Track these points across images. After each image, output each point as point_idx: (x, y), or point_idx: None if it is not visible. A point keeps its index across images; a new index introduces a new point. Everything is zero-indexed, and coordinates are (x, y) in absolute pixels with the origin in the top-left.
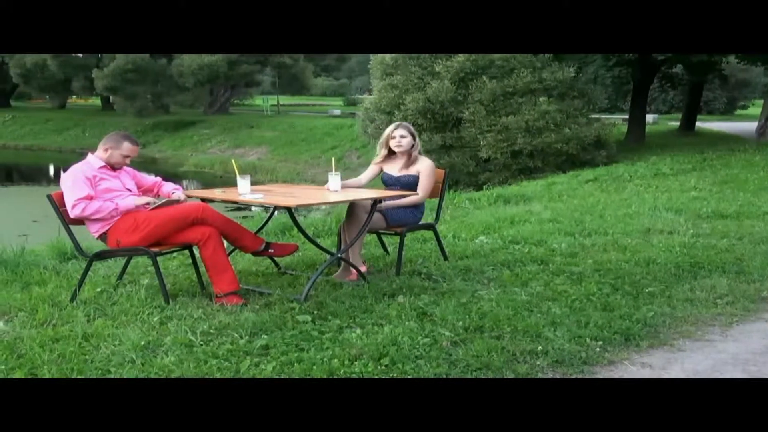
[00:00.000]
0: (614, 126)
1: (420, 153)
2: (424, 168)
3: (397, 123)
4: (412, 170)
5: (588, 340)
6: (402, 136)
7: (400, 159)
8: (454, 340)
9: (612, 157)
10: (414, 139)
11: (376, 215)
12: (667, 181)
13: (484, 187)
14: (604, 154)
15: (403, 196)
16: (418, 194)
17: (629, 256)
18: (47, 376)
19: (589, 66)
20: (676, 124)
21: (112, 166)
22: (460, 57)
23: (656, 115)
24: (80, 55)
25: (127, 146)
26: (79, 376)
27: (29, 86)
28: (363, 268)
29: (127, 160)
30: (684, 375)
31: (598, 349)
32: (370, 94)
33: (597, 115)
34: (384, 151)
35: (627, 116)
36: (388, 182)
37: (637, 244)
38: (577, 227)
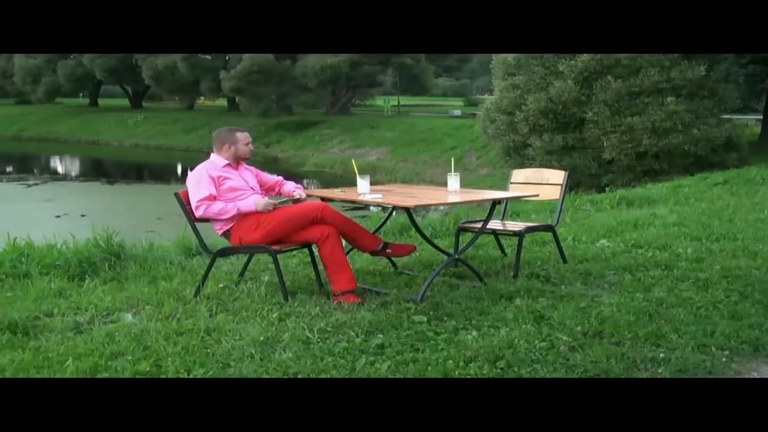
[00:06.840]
0: (746, 127)
1: None
2: None
3: None
4: None
5: (714, 349)
6: None
7: None
8: (572, 345)
9: (744, 159)
10: None
11: None
12: None
13: (607, 189)
14: (735, 156)
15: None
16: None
17: (760, 262)
18: (171, 368)
19: (721, 64)
20: None
21: (239, 160)
22: (585, 56)
23: None
24: (208, 57)
25: (240, 135)
26: (201, 370)
27: (160, 88)
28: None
29: (251, 146)
30: None
31: (724, 359)
32: (491, 95)
33: (728, 116)
34: None
35: (761, 116)
36: None
37: None
38: (704, 231)
